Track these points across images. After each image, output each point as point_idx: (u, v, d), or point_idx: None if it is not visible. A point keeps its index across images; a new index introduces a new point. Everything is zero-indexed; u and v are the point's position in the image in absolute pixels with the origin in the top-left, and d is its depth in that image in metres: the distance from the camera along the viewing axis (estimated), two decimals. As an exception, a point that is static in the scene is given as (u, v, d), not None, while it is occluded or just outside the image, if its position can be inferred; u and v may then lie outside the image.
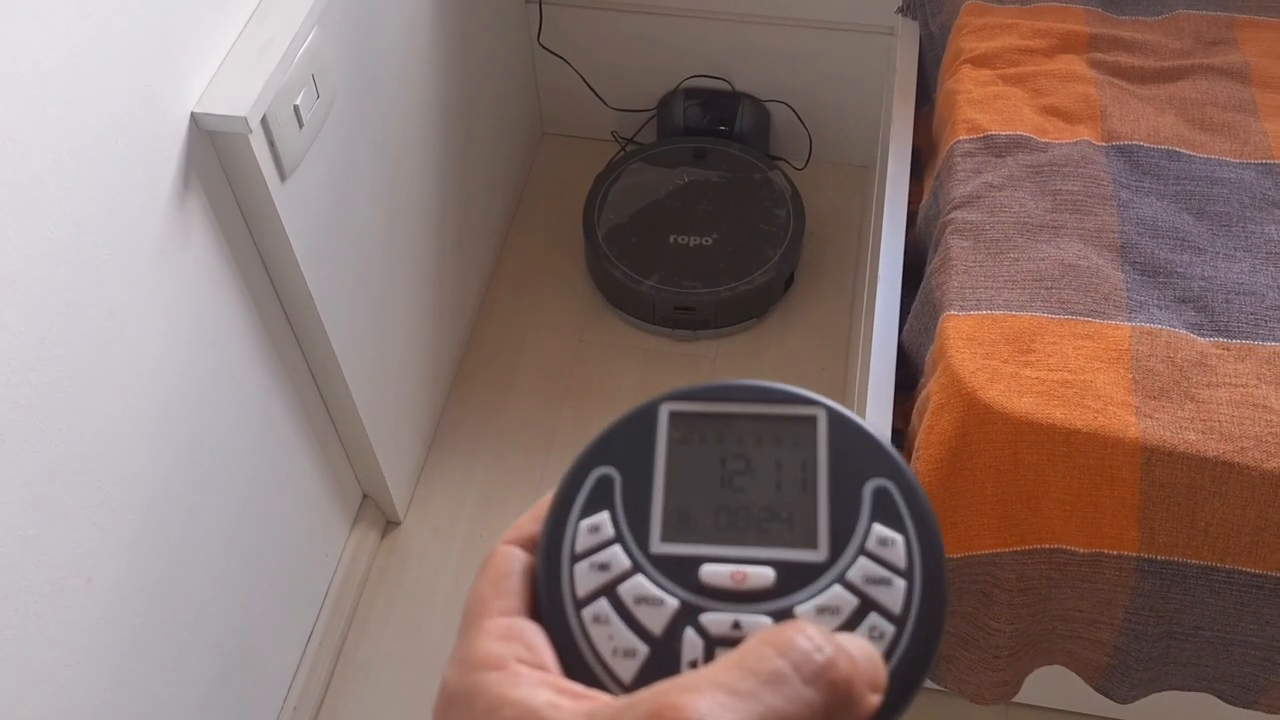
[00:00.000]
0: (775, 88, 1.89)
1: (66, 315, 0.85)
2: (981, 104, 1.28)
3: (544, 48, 1.88)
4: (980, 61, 1.34)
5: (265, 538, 1.24)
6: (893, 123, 1.44)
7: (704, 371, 1.73)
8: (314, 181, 1.15)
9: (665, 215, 1.77)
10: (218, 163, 1.04)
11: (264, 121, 1.03)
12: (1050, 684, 1.33)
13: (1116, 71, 1.32)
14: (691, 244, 1.74)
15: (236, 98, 0.99)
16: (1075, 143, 1.23)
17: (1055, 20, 1.37)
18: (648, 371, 1.73)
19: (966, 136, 1.25)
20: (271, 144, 1.05)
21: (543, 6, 1.82)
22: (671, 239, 1.74)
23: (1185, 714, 1.33)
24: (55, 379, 0.85)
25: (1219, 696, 1.18)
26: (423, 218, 1.50)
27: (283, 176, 1.08)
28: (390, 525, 1.58)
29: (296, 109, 1.07)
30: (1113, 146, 1.23)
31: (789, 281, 1.79)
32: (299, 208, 1.12)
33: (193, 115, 0.98)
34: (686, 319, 1.73)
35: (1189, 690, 1.19)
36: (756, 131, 1.90)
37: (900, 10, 1.59)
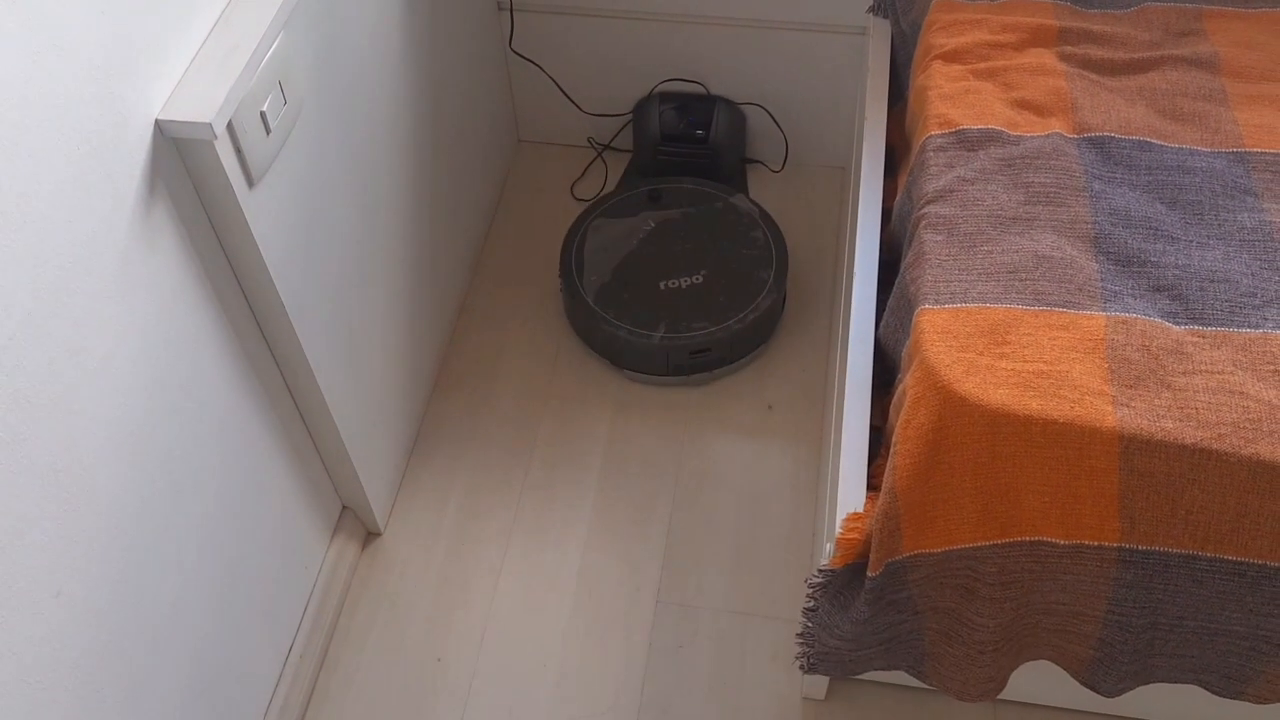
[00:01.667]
0: (750, 90, 1.89)
1: (29, 325, 0.84)
2: (953, 99, 1.28)
3: (516, 53, 1.88)
4: (951, 57, 1.34)
5: (242, 550, 1.23)
6: (866, 120, 1.44)
7: (694, 399, 1.72)
8: (283, 189, 1.14)
9: (647, 263, 1.73)
10: (184, 170, 1.03)
11: (230, 128, 1.02)
12: (1037, 680, 1.33)
13: (1086, 64, 1.32)
14: (684, 285, 1.70)
15: (201, 104, 0.98)
16: (1047, 135, 1.23)
17: (1024, 15, 1.37)
18: (625, 378, 1.72)
19: (938, 131, 1.25)
20: (238, 150, 1.04)
21: (514, 12, 1.82)
22: (662, 285, 1.70)
23: (1171, 708, 1.32)
24: (20, 389, 0.84)
25: (1205, 688, 1.17)
26: (397, 227, 1.49)
27: (250, 183, 1.07)
28: (371, 536, 1.56)
29: (263, 115, 1.07)
30: (1084, 138, 1.23)
31: (784, 299, 1.78)
32: (268, 215, 1.11)
33: (157, 122, 0.97)
34: (702, 361, 1.69)
35: (1175, 683, 1.18)
36: (732, 135, 1.90)
37: (871, 9, 1.59)
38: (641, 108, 1.92)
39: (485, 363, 1.75)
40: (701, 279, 1.71)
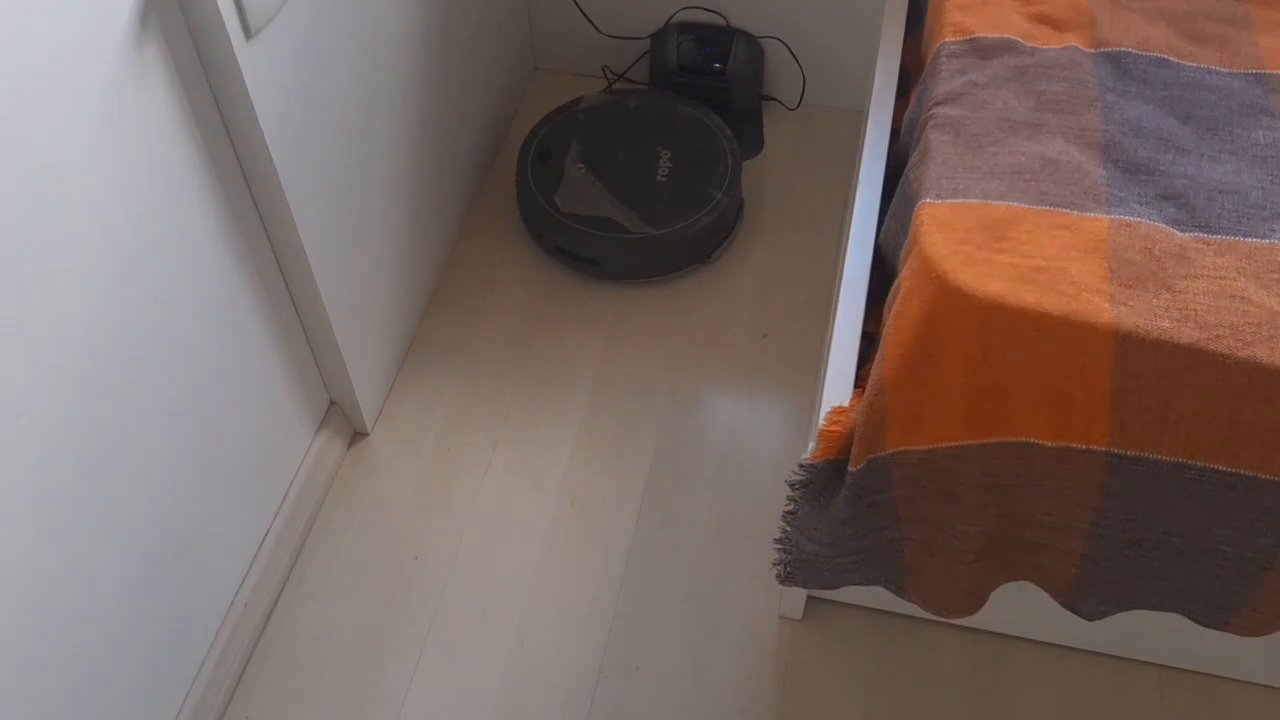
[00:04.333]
0: (770, 23, 1.87)
1: (2, 128, 0.83)
2: (969, 9, 1.26)
3: (537, -32, 1.86)
4: (971, -29, 1.31)
5: (221, 419, 1.22)
6: (883, 37, 1.42)
7: (715, 281, 1.70)
8: (283, 49, 1.12)
9: (626, 184, 1.70)
10: (177, 5, 1.01)
11: (228, -32, 1.01)
12: (1016, 611, 1.30)
13: (1109, -15, 1.30)
14: (666, 171, 1.71)
15: (199, -62, 0.97)
16: (1063, 48, 1.20)
17: (1049, -66, 1.34)
18: (623, 300, 1.70)
19: (953, 38, 1.23)
20: (236, -7, 1.02)
21: (537, -70, 1.80)
22: (654, 180, 1.70)
23: (1153, 643, 1.30)
24: (-9, 193, 0.82)
25: (1189, 617, 1.15)
26: (402, 127, 1.47)
27: (247, 33, 1.05)
28: (358, 436, 1.55)
29: (264, -37, 1.05)
30: (1101, 52, 1.20)
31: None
32: (265, 73, 1.10)
33: (153, -48, 0.96)
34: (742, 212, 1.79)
35: (1158, 609, 1.15)
36: (750, 69, 1.88)
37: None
38: (659, 37, 1.90)
39: (484, 279, 1.74)
40: (671, 159, 1.72)
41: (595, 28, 1.93)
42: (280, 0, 1.09)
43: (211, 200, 1.12)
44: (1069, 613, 1.24)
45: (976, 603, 1.17)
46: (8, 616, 0.93)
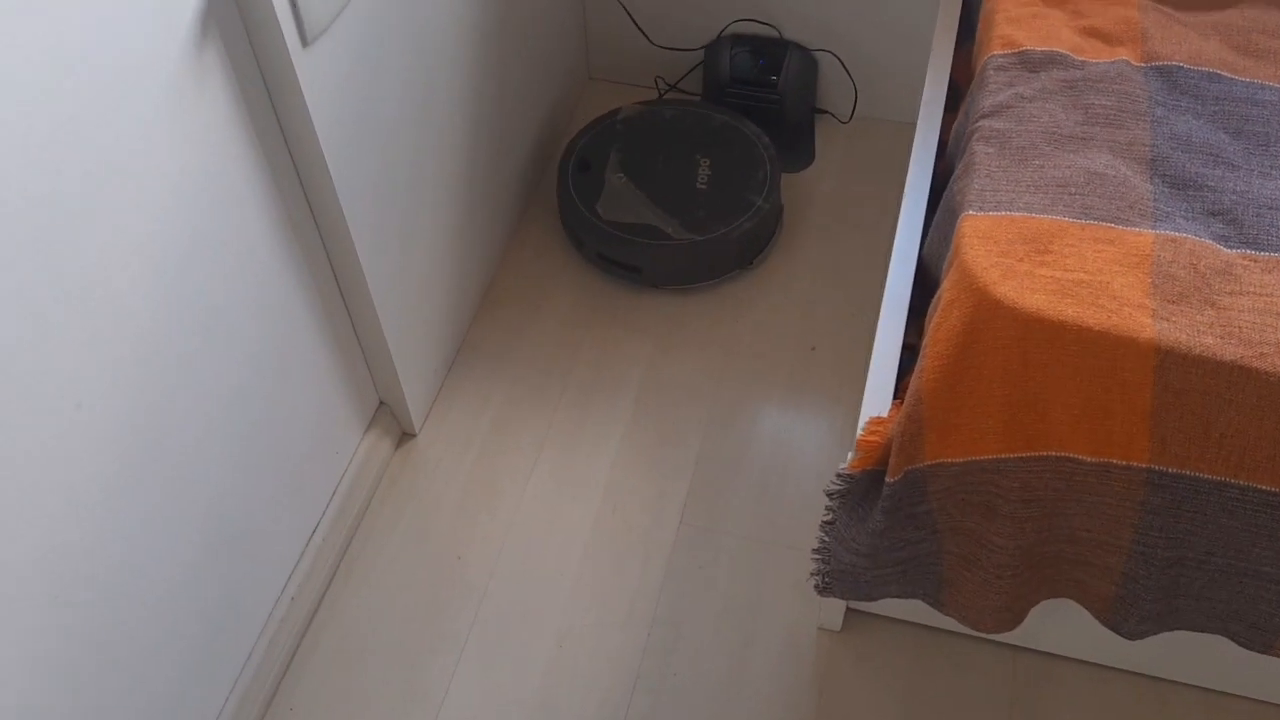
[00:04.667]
0: (823, 36, 1.87)
1: (70, 127, 0.86)
2: (1019, 22, 1.26)
3: (592, -19, 1.89)
4: (1022, -16, 1.31)
5: (271, 416, 1.25)
6: (934, 50, 1.42)
7: (765, 281, 1.71)
8: (339, 56, 1.15)
9: (662, 187, 1.72)
10: (238, 15, 1.04)
11: (286, -22, 1.04)
12: (1058, 630, 1.29)
13: None
14: (704, 179, 1.72)
15: (260, -51, 1.00)
16: (1113, 61, 1.20)
17: (1103, -52, 1.34)
18: (670, 310, 1.71)
19: (1001, 51, 1.23)
20: (293, 2, 1.05)
21: (594, -58, 1.83)
22: (695, 187, 1.71)
23: (1197, 666, 1.27)
24: (54, 190, 0.86)
25: (1232, 638, 1.13)
26: (457, 132, 1.50)
27: (304, 41, 1.08)
28: (405, 437, 1.58)
29: (322, -27, 1.08)
30: (1151, 66, 1.20)
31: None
32: (321, 79, 1.13)
33: (215, -38, 0.99)
34: (781, 219, 1.82)
35: (1201, 631, 1.14)
36: (803, 82, 1.88)
37: (949, -53, 1.56)
38: (712, 49, 1.92)
39: (533, 286, 1.76)
40: (709, 167, 1.73)
41: (648, 39, 1.95)
42: (337, 8, 1.13)
43: (267, 202, 1.15)
44: (1111, 632, 1.23)
45: (1015, 618, 1.17)
46: (62, 603, 0.96)
